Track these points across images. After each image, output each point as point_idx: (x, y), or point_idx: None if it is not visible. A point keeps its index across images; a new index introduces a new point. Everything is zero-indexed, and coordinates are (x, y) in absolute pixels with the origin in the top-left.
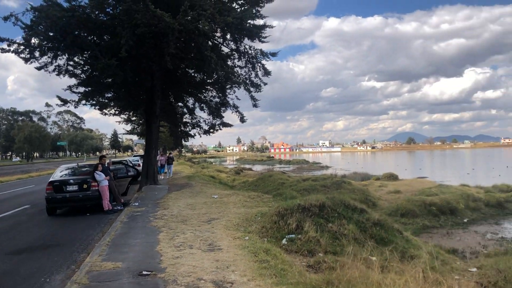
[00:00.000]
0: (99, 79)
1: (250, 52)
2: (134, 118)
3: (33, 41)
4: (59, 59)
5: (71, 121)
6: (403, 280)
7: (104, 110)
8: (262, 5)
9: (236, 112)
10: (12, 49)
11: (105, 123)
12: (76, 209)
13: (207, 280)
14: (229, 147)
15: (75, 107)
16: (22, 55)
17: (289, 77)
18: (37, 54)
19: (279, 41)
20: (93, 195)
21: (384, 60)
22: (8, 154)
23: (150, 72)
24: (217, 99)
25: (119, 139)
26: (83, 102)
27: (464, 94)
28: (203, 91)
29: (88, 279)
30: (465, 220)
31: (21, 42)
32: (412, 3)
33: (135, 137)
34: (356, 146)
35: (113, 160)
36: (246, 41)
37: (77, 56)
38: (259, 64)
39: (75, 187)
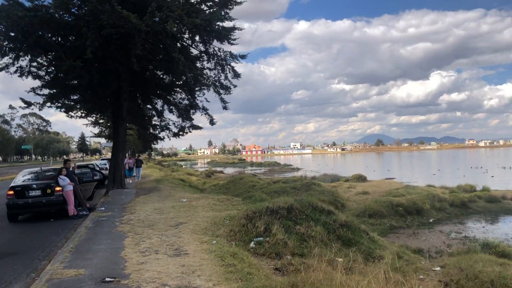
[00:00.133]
0: (64, 81)
1: (219, 54)
2: (101, 121)
3: None
4: (22, 60)
5: (36, 124)
6: (366, 281)
7: (70, 113)
8: (231, 7)
9: (205, 114)
10: None
11: (72, 126)
12: (40, 215)
13: (172, 286)
14: (200, 150)
15: (40, 110)
16: None
17: (261, 80)
18: None
19: (250, 44)
20: (57, 200)
21: (353, 63)
22: None
23: (116, 73)
24: (186, 101)
25: (87, 142)
26: (48, 104)
27: (430, 97)
28: (172, 93)
29: (48, 287)
30: (431, 220)
31: None
32: (380, 7)
33: (103, 140)
34: (327, 148)
35: (78, 164)
36: (216, 43)
37: (40, 57)
38: (228, 66)
39: (38, 192)
